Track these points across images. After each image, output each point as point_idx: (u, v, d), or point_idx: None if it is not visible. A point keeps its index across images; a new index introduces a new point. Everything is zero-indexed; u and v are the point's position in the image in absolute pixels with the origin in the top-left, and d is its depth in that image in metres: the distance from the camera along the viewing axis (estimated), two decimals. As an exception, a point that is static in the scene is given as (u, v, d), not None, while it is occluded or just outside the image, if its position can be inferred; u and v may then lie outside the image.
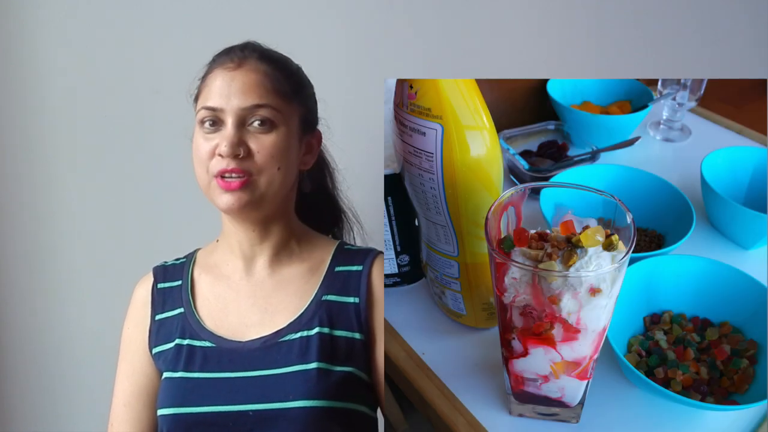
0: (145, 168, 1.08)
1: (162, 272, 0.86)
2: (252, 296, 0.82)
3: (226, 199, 0.76)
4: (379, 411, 0.83)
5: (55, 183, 1.11)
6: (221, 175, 0.76)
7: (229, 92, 0.76)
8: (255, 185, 0.76)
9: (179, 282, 0.85)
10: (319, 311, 0.79)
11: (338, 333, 0.79)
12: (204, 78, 0.80)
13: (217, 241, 0.86)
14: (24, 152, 1.10)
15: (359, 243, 0.91)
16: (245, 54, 0.79)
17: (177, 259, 0.88)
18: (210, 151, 0.76)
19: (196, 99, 0.80)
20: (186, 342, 0.80)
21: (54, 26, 1.08)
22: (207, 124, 0.77)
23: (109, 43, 1.08)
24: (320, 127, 0.85)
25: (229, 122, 0.76)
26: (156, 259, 0.89)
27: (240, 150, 0.75)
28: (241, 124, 0.76)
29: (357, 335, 0.79)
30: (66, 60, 1.09)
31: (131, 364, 0.84)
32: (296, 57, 0.83)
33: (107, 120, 1.09)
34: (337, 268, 0.82)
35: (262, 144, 0.76)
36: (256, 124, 0.77)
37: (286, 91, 0.79)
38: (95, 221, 1.11)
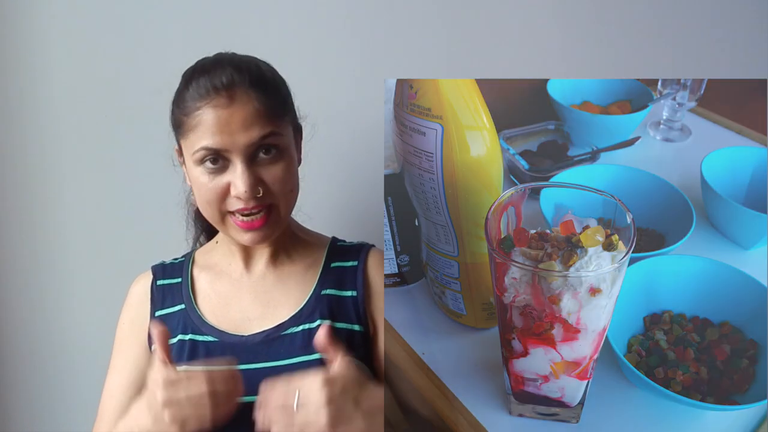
0: (146, 168, 1.08)
1: (161, 270, 0.87)
2: (253, 291, 0.82)
3: (249, 237, 0.76)
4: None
5: (56, 183, 1.11)
6: (239, 213, 0.75)
7: (230, 131, 0.73)
8: (276, 215, 0.77)
9: (179, 279, 0.85)
10: (319, 305, 0.80)
11: (339, 325, 0.80)
12: (188, 113, 0.75)
13: (216, 242, 0.87)
14: (25, 152, 1.10)
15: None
16: (229, 80, 0.74)
17: (175, 259, 0.88)
18: (220, 192, 0.75)
19: (181, 131, 0.77)
20: (188, 337, 0.80)
21: (55, 26, 1.08)
22: (208, 164, 0.75)
23: (112, 43, 1.08)
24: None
25: (239, 161, 0.74)
26: (157, 258, 0.89)
27: (259, 189, 0.74)
28: (251, 160, 0.75)
29: (356, 327, 0.80)
30: (68, 60, 1.09)
31: (125, 359, 0.84)
32: (296, 58, 0.83)
33: (108, 120, 1.09)
34: (333, 264, 0.83)
35: (274, 175, 0.76)
36: (262, 154, 0.75)
37: (279, 110, 0.77)
38: (96, 221, 1.11)
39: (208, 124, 0.74)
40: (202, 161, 0.75)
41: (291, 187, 0.78)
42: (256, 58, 0.80)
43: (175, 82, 0.80)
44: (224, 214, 0.77)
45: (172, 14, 1.07)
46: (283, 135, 0.77)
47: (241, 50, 0.80)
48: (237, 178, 0.74)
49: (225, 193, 0.75)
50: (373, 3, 1.05)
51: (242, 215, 0.75)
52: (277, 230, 0.79)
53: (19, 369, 1.13)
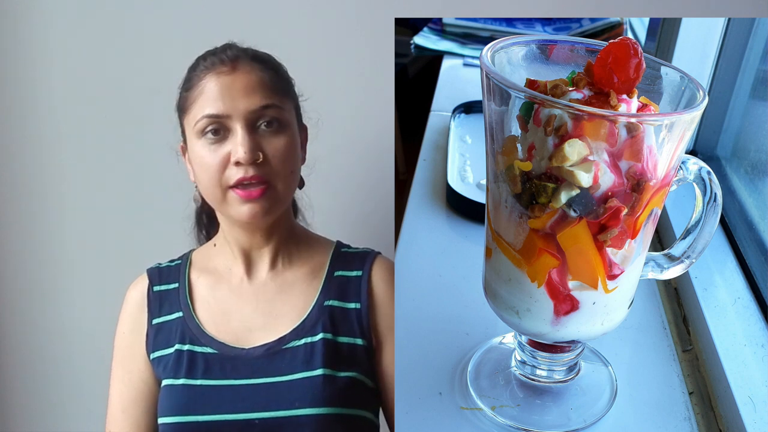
0: (146, 168, 1.07)
1: (157, 274, 0.85)
2: (254, 300, 0.80)
3: (247, 210, 0.75)
4: (382, 416, 0.82)
5: (54, 183, 1.10)
6: (239, 184, 0.74)
7: (232, 96, 0.74)
8: (274, 191, 0.75)
9: (176, 285, 0.83)
10: (322, 317, 0.78)
11: (341, 339, 0.78)
12: (191, 87, 0.77)
13: (215, 244, 0.84)
14: (23, 153, 1.10)
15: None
16: (234, 54, 0.76)
17: (171, 261, 0.86)
18: (221, 161, 0.74)
19: (184, 110, 0.77)
20: (186, 347, 0.79)
21: (54, 26, 1.07)
22: (210, 134, 0.74)
23: (110, 42, 1.07)
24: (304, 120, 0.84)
25: (239, 127, 0.74)
26: (158, 257, 0.88)
27: (258, 154, 0.74)
28: (252, 127, 0.74)
29: (359, 341, 0.78)
30: (66, 60, 1.08)
31: (128, 370, 0.82)
32: (304, 56, 0.82)
33: (107, 120, 1.08)
34: (336, 273, 0.81)
35: (275, 147, 0.75)
36: (264, 126, 0.75)
37: (283, 88, 0.78)
38: (95, 221, 1.10)
39: (211, 92, 0.74)
40: (203, 132, 0.75)
41: (291, 168, 0.77)
42: None
43: (175, 82, 0.80)
44: (225, 190, 0.75)
45: (173, 13, 1.06)
46: (285, 110, 0.77)
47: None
48: (237, 143, 0.74)
49: (225, 162, 0.74)
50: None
51: (241, 186, 0.74)
52: (275, 210, 0.77)
53: (18, 369, 1.12)
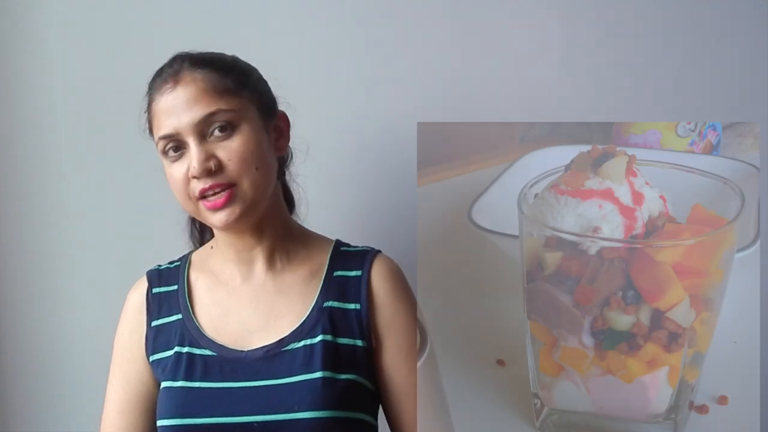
0: (146, 168, 1.07)
1: (156, 276, 0.84)
2: (254, 301, 0.80)
3: (219, 218, 0.74)
4: (382, 417, 0.82)
5: (55, 183, 1.10)
6: (203, 195, 0.74)
7: (176, 113, 0.74)
8: (241, 192, 0.74)
9: (175, 287, 0.83)
10: (321, 318, 0.78)
11: (341, 341, 0.78)
12: (148, 110, 0.77)
13: (212, 247, 0.84)
14: (25, 153, 1.09)
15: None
16: (176, 68, 0.76)
17: (171, 263, 0.86)
18: (183, 177, 0.75)
19: (150, 132, 0.78)
20: (186, 350, 0.78)
21: (54, 26, 1.07)
22: (170, 152, 0.75)
23: (111, 43, 1.07)
24: (281, 106, 0.83)
25: (190, 141, 0.74)
26: (160, 257, 0.88)
27: (210, 164, 0.73)
28: (202, 137, 0.74)
29: (359, 342, 0.78)
30: (67, 61, 1.07)
31: (126, 372, 0.82)
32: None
33: (107, 121, 1.08)
34: (336, 273, 0.81)
35: (230, 150, 0.74)
36: (216, 132, 0.74)
37: (230, 87, 0.76)
38: (95, 222, 1.10)
39: (159, 113, 0.75)
40: (165, 152, 0.75)
41: (255, 165, 0.75)
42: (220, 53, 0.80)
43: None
44: (195, 202, 0.75)
45: (174, 14, 1.06)
46: (235, 111, 0.75)
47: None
48: (191, 157, 0.74)
49: (187, 177, 0.75)
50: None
51: (205, 197, 0.74)
52: (247, 211, 0.75)
53: (18, 368, 1.10)
